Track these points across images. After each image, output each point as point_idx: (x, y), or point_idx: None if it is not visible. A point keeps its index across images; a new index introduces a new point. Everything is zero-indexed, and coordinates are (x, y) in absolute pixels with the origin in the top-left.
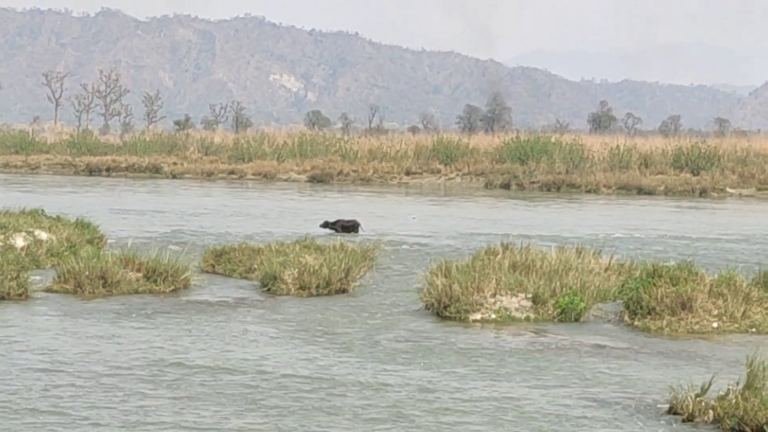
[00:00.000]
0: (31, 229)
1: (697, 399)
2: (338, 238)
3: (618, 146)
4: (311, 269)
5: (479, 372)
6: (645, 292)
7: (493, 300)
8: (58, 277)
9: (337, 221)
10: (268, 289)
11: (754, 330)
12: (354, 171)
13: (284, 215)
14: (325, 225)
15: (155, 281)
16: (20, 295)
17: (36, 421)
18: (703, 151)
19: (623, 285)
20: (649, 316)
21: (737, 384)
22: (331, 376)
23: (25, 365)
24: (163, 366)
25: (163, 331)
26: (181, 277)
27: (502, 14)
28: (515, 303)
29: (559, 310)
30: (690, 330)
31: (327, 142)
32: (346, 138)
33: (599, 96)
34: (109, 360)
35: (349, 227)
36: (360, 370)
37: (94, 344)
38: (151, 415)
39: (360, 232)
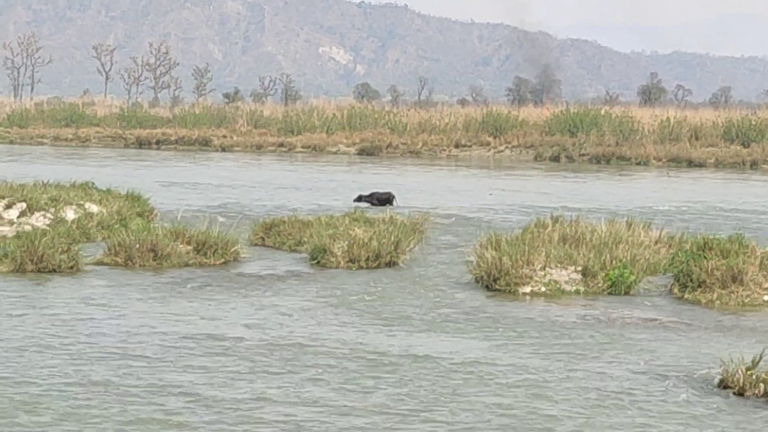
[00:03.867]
0: (81, 202)
1: (748, 372)
2: (388, 210)
3: (668, 118)
4: (361, 242)
5: (529, 345)
6: (695, 265)
7: (542, 273)
8: (109, 250)
9: (372, 194)
10: (318, 262)
11: None
12: (403, 144)
13: (334, 188)
14: (359, 199)
15: (205, 254)
16: (71, 268)
17: (90, 394)
18: (753, 123)
19: (673, 258)
20: (699, 289)
21: None
22: (385, 350)
23: (78, 338)
24: (220, 340)
25: (216, 305)
26: (231, 250)
27: None
28: (565, 276)
29: (609, 283)
30: (741, 303)
31: (376, 115)
32: (395, 111)
33: (649, 68)
34: (164, 334)
35: (384, 200)
36: (413, 344)
37: (147, 318)
38: (210, 389)
39: (394, 204)
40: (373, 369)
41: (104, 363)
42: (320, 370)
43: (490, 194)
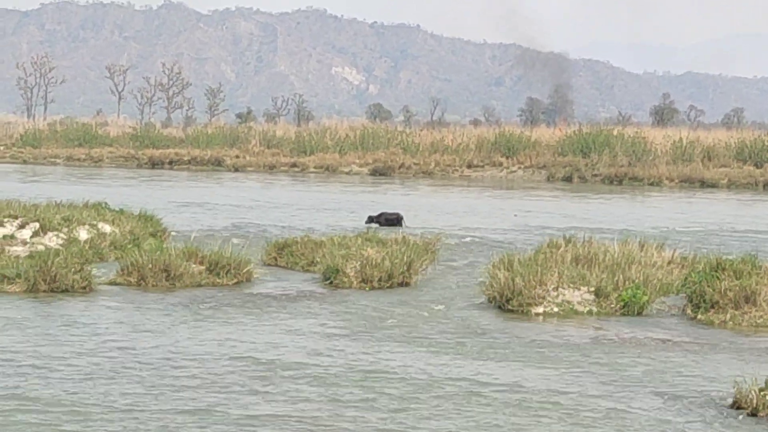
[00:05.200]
0: (94, 222)
1: (761, 393)
2: (400, 231)
3: (681, 139)
4: (373, 262)
5: (542, 366)
6: (708, 286)
7: (555, 293)
8: (122, 269)
9: (381, 214)
10: (331, 282)
11: None
12: (416, 164)
13: (347, 208)
14: (370, 220)
15: (218, 274)
16: (84, 288)
17: (105, 415)
18: (766, 143)
19: (686, 278)
20: (712, 310)
21: None
22: (398, 371)
23: (91, 359)
24: (233, 359)
25: (229, 325)
26: (244, 270)
27: (564, 5)
28: (578, 296)
29: (621, 303)
30: (754, 324)
31: (389, 135)
32: (407, 131)
33: (662, 88)
34: (177, 353)
35: (393, 220)
36: (426, 364)
37: (161, 338)
38: (221, 407)
39: (403, 225)
40: (451, 398)
41: (188, 392)
42: (406, 400)
43: (515, 215)
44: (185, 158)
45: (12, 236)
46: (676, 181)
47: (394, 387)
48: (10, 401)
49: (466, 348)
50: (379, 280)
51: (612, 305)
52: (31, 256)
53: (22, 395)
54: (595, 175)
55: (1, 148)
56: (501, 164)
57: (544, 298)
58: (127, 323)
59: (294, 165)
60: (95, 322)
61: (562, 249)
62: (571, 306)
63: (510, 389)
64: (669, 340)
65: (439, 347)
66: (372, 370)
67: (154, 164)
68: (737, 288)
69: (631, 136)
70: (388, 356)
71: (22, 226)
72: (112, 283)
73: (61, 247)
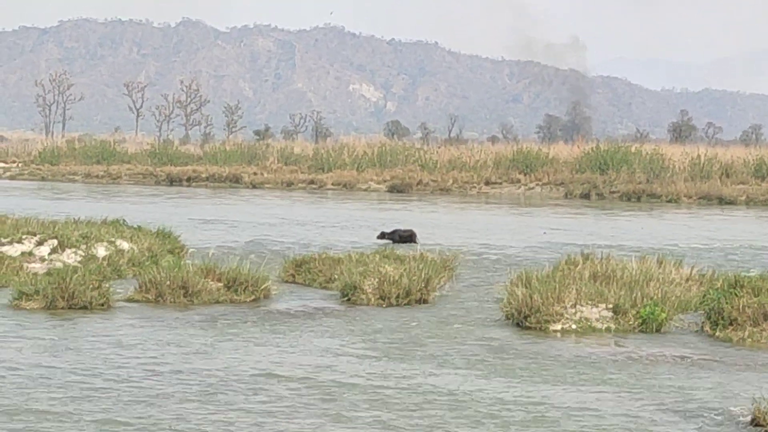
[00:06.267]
0: (112, 239)
1: None
2: (418, 248)
3: (699, 156)
4: (391, 279)
5: (560, 383)
6: (726, 303)
7: (573, 310)
8: (140, 286)
9: (395, 231)
10: (348, 299)
11: None
12: (433, 181)
13: (365, 225)
14: (383, 236)
15: (236, 291)
16: (102, 305)
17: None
18: None
19: (704, 295)
20: (730, 327)
21: None
22: (416, 388)
23: (110, 376)
24: (250, 377)
25: (247, 342)
26: (262, 287)
27: (582, 23)
28: (596, 313)
29: (639, 320)
30: None
31: (406, 152)
32: (425, 148)
33: (680, 105)
34: (196, 370)
35: (406, 237)
36: (444, 381)
37: (179, 355)
38: (239, 426)
39: (417, 242)
40: (524, 423)
41: (264, 417)
42: (482, 425)
43: (544, 233)
44: (203, 175)
45: (30, 253)
46: (695, 198)
47: (463, 411)
48: (92, 427)
49: (512, 370)
50: (397, 297)
51: (630, 322)
52: (49, 273)
53: (102, 420)
54: (613, 192)
55: (20, 165)
56: (519, 181)
57: (562, 315)
58: (171, 343)
59: (312, 182)
60: (137, 343)
61: (579, 266)
62: (589, 323)
63: (575, 413)
64: (687, 357)
65: (479, 368)
66: (428, 392)
67: (172, 181)
68: (756, 305)
69: (649, 152)
70: (435, 379)
71: (40, 243)
72: (130, 300)
73: (79, 264)
